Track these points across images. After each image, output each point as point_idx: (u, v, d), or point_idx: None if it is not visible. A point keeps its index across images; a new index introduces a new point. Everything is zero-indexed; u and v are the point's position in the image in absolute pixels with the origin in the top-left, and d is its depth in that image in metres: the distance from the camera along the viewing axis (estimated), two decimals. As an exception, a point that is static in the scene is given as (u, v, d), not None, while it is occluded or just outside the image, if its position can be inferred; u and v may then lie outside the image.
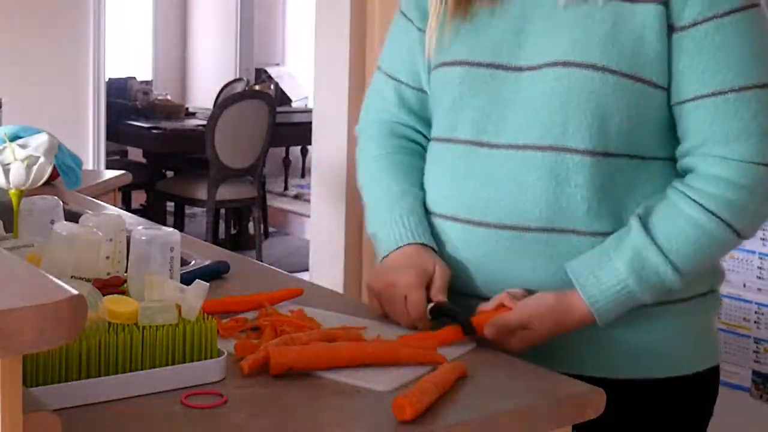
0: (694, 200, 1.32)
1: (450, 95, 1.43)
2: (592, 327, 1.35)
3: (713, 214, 1.31)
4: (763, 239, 2.54)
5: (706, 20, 1.30)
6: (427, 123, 1.54)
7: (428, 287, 1.38)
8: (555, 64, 1.34)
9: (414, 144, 1.55)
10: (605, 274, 1.32)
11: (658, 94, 1.34)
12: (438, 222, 1.45)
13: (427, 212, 1.47)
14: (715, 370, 1.46)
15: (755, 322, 2.56)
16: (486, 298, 1.38)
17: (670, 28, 1.32)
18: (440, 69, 1.45)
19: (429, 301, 1.37)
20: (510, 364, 1.28)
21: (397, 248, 1.44)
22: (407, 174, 1.51)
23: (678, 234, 1.32)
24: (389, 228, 1.46)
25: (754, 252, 2.56)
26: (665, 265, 1.31)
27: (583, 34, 1.33)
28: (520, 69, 1.37)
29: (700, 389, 1.44)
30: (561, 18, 1.35)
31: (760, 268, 2.54)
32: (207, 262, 1.65)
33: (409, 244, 1.43)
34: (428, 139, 1.52)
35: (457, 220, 1.42)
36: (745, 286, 2.55)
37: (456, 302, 1.40)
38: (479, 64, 1.40)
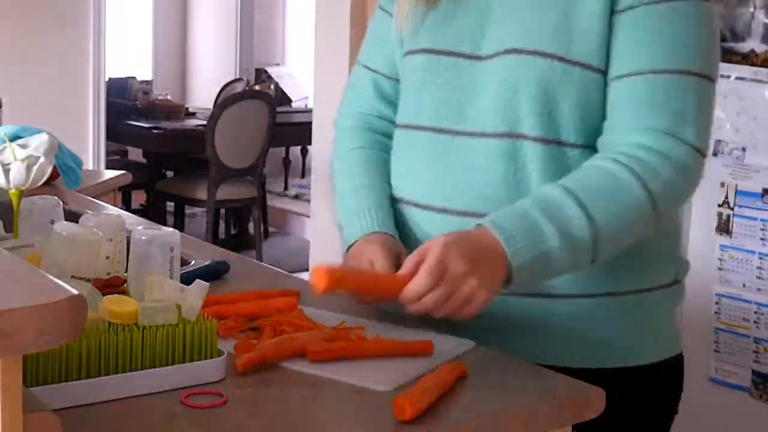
0: (607, 156, 1.32)
1: (413, 83, 1.47)
2: (551, 316, 1.36)
3: (624, 165, 1.30)
4: (763, 239, 2.54)
5: (641, 5, 1.33)
6: None
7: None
8: (506, 51, 1.37)
9: (389, 140, 1.56)
10: (508, 209, 1.31)
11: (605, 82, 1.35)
12: (402, 208, 1.47)
13: (394, 200, 1.48)
14: (678, 359, 1.47)
15: (755, 322, 2.56)
16: None
17: (613, 14, 1.34)
18: (407, 57, 1.49)
19: None
20: (510, 364, 1.28)
21: (363, 236, 1.44)
22: (378, 169, 1.52)
23: (587, 180, 1.31)
24: (356, 219, 1.47)
25: (754, 252, 2.56)
26: (574, 202, 1.28)
27: (534, 22, 1.36)
28: (479, 58, 1.40)
29: (663, 378, 1.45)
30: (516, 6, 1.38)
31: (759, 268, 2.54)
32: (207, 262, 1.65)
33: (374, 233, 1.44)
34: None
35: (421, 207, 1.43)
36: (745, 286, 2.55)
37: None
38: (441, 52, 1.43)
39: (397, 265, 1.33)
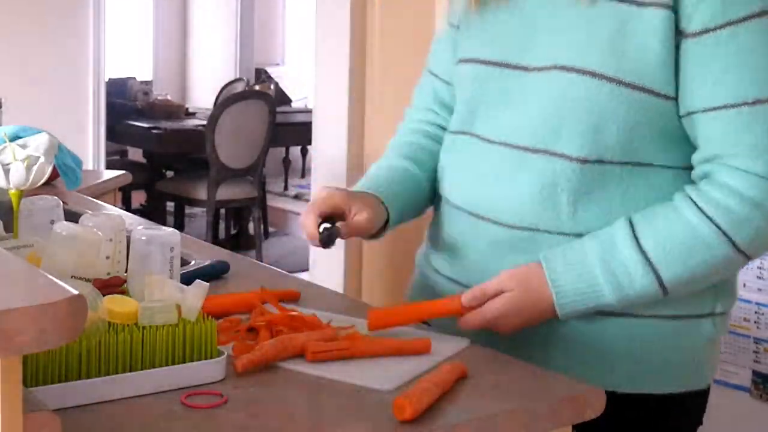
0: (693, 202, 1.29)
1: (463, 92, 1.48)
2: (572, 332, 1.35)
3: (709, 218, 1.27)
4: (763, 239, 2.54)
5: (718, 27, 1.25)
6: None
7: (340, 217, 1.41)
8: (554, 67, 1.33)
9: (440, 129, 1.59)
10: (572, 254, 1.32)
11: (660, 103, 1.30)
12: (447, 208, 1.49)
13: (443, 200, 1.51)
14: (702, 394, 1.44)
15: (755, 322, 2.56)
16: (465, 285, 1.40)
17: (680, 34, 1.27)
18: (459, 65, 1.49)
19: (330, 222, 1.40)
20: (510, 364, 1.28)
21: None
22: (417, 156, 1.56)
23: (663, 233, 1.28)
24: (363, 180, 1.52)
25: (754, 252, 2.56)
26: (637, 261, 1.28)
27: (584, 38, 1.31)
28: (526, 69, 1.38)
29: (683, 410, 1.42)
30: (566, 18, 1.33)
31: (760, 268, 2.54)
32: (207, 262, 1.65)
33: (366, 192, 1.47)
34: None
35: (459, 209, 1.45)
36: (745, 286, 2.55)
37: (445, 286, 1.46)
38: (489, 62, 1.42)
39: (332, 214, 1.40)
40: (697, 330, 1.39)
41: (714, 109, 1.27)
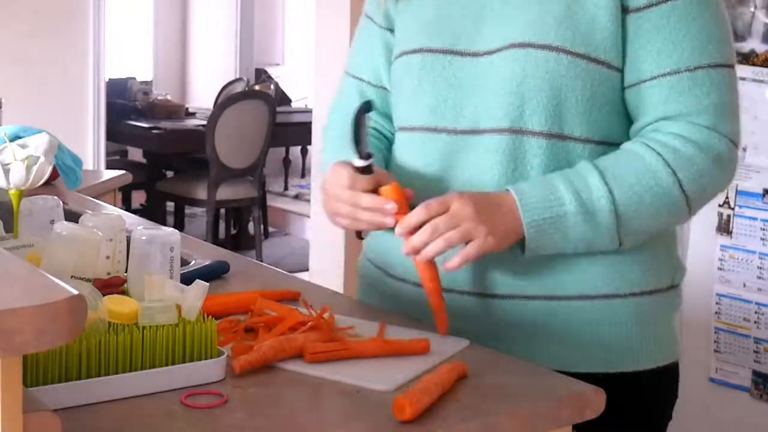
0: (642, 142, 1.35)
1: (409, 83, 1.45)
2: (551, 318, 1.36)
3: (654, 150, 1.33)
4: (763, 239, 2.55)
5: (661, 2, 1.34)
6: (390, 120, 1.56)
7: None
8: (511, 46, 1.36)
9: (378, 133, 1.56)
10: (536, 179, 1.34)
11: (612, 75, 1.36)
12: None
13: None
14: (674, 367, 1.47)
15: (755, 322, 2.56)
16: (446, 290, 1.37)
17: (624, 11, 1.34)
18: (400, 58, 1.47)
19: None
20: (510, 364, 1.28)
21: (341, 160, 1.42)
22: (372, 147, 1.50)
23: (617, 161, 1.34)
24: (340, 152, 1.47)
25: (754, 252, 2.57)
26: (593, 172, 1.32)
27: (537, 16, 1.35)
28: (477, 54, 1.39)
29: (659, 384, 1.45)
30: (516, 1, 1.37)
31: (760, 268, 2.54)
32: (207, 262, 1.65)
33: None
34: (393, 135, 1.54)
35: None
36: (745, 286, 2.55)
37: (416, 292, 1.41)
38: (437, 51, 1.42)
39: (377, 185, 1.35)
40: (669, 301, 1.45)
41: (657, 77, 1.34)
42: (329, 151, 1.56)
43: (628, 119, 1.40)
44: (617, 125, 1.39)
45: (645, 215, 1.34)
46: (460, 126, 1.40)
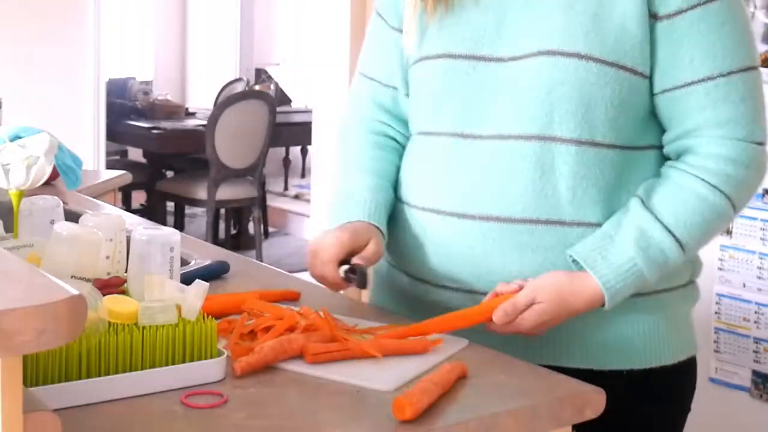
0: (696, 176, 1.35)
1: (431, 89, 1.45)
2: (575, 318, 1.36)
3: (716, 188, 1.35)
4: (763, 239, 2.55)
5: (691, 8, 1.33)
6: (402, 121, 1.55)
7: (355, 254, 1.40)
8: (539, 53, 1.35)
9: (389, 139, 1.56)
10: (612, 254, 1.34)
11: (640, 82, 1.36)
12: (421, 215, 1.46)
13: (410, 205, 1.48)
14: (692, 361, 1.48)
15: (755, 322, 2.56)
16: (472, 291, 1.39)
17: (653, 17, 1.34)
18: (421, 63, 1.46)
19: (347, 264, 1.39)
20: (510, 364, 1.28)
21: (348, 223, 1.45)
22: (383, 169, 1.52)
23: (683, 210, 1.35)
24: (347, 206, 1.48)
25: (754, 252, 2.57)
26: (670, 242, 1.34)
27: (565, 23, 1.35)
28: (501, 60, 1.39)
29: (680, 379, 1.46)
30: (542, 7, 1.37)
31: (760, 268, 2.54)
32: (207, 262, 1.65)
33: (359, 221, 1.44)
34: (404, 137, 1.55)
35: (441, 213, 1.42)
36: (745, 286, 2.55)
37: (441, 294, 1.42)
38: (460, 56, 1.41)
39: (342, 259, 1.39)
40: (689, 294, 1.47)
41: (691, 83, 1.35)
42: (341, 180, 1.55)
43: (655, 124, 1.40)
44: (644, 130, 1.39)
45: (706, 241, 1.41)
46: (486, 132, 1.39)
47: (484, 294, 1.38)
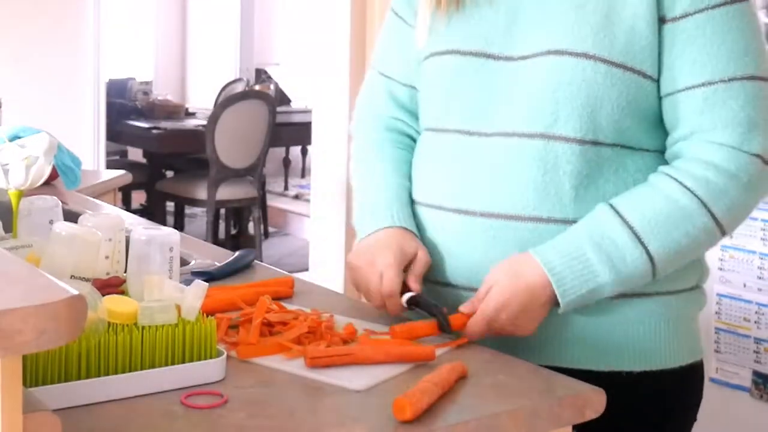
0: (671, 177, 1.33)
1: (441, 85, 1.45)
2: (577, 318, 1.36)
3: (688, 189, 1.31)
4: (764, 239, 2.55)
5: (697, 12, 1.32)
6: (416, 117, 1.55)
7: (406, 270, 1.40)
8: (547, 52, 1.35)
9: (406, 138, 1.57)
10: (562, 242, 1.33)
11: (648, 84, 1.35)
12: (424, 211, 1.46)
13: (414, 202, 1.48)
14: (698, 366, 1.46)
15: (755, 322, 2.56)
16: (473, 289, 1.39)
17: (661, 20, 1.34)
18: (432, 59, 1.46)
19: (407, 290, 1.39)
20: (510, 364, 1.28)
21: (378, 229, 1.45)
22: (399, 167, 1.52)
23: (646, 207, 1.32)
24: (376, 211, 1.47)
25: (754, 252, 2.57)
26: (626, 236, 1.31)
27: (575, 23, 1.35)
28: (511, 58, 1.39)
29: (684, 384, 1.44)
30: (553, 7, 1.37)
31: (760, 268, 2.54)
32: (236, 254, 1.71)
33: (391, 227, 1.44)
34: (419, 134, 1.54)
35: (443, 209, 1.43)
36: (745, 286, 2.55)
37: (442, 292, 1.42)
38: (470, 53, 1.41)
39: (405, 269, 1.39)
40: (695, 298, 1.45)
41: (692, 87, 1.33)
42: (359, 176, 1.56)
43: (660, 126, 1.39)
44: (651, 133, 1.38)
45: (681, 257, 1.35)
46: (491, 130, 1.39)
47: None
